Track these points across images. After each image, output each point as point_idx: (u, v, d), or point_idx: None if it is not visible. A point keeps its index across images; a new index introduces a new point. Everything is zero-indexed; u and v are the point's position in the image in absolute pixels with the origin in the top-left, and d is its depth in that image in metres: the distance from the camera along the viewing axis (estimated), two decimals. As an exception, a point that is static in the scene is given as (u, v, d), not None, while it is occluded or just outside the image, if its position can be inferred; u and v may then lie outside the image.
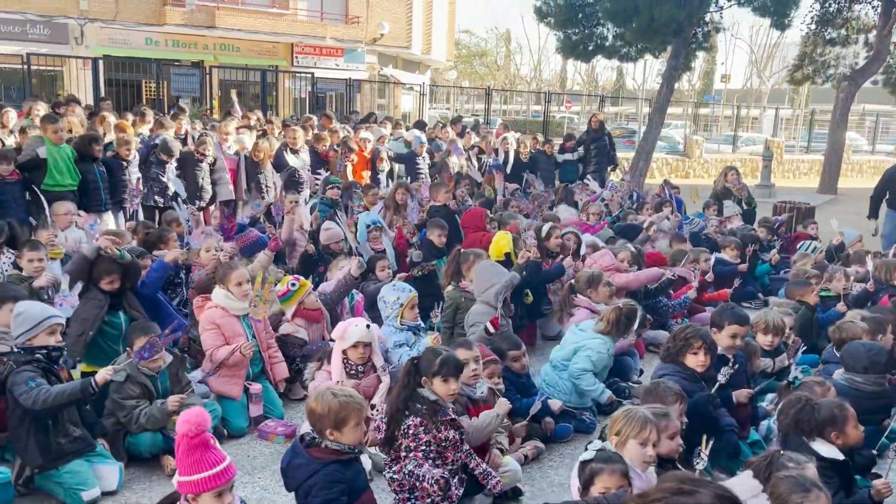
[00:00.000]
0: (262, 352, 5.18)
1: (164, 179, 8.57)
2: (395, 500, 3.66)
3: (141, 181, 8.44)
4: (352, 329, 4.66)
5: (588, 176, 11.42)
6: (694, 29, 18.29)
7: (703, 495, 1.75)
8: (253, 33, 24.72)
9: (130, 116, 10.41)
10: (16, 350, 4.05)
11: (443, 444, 3.66)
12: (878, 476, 3.84)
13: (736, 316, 4.77)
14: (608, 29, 19.56)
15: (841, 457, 3.59)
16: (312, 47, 26.82)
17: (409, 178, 10.98)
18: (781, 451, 3.17)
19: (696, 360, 4.39)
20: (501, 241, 6.89)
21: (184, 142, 9.70)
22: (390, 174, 11.40)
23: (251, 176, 9.40)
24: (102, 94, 14.99)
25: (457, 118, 16.56)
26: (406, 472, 3.60)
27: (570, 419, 4.98)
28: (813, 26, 21.31)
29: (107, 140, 8.74)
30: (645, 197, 10.96)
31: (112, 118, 9.84)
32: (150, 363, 4.26)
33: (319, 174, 9.83)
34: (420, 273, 6.63)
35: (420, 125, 14.47)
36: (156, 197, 8.67)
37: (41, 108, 9.67)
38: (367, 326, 4.71)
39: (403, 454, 3.64)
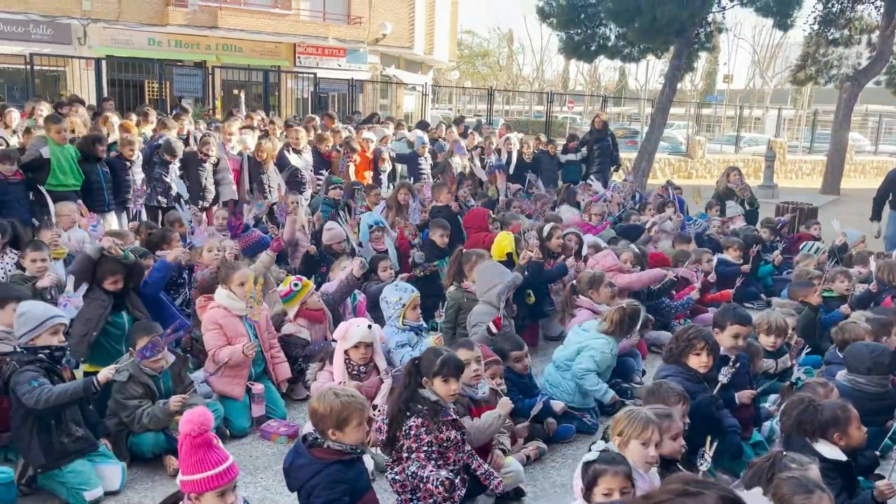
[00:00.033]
0: (265, 352, 5.19)
1: (168, 180, 8.58)
2: (398, 501, 3.66)
3: (144, 181, 8.46)
4: (354, 329, 4.66)
5: (591, 176, 11.40)
6: (696, 29, 18.28)
7: (709, 497, 1.74)
8: (255, 33, 24.71)
9: (133, 117, 10.42)
10: (19, 350, 4.05)
11: (444, 444, 3.66)
12: (881, 477, 3.82)
13: (738, 316, 4.76)
14: (611, 29, 19.56)
15: (844, 458, 3.58)
16: (315, 47, 26.81)
17: (411, 178, 10.99)
18: (784, 452, 3.16)
19: (698, 361, 4.39)
20: (503, 242, 6.89)
21: (186, 142, 9.70)
22: (392, 175, 11.40)
23: (254, 176, 9.41)
24: (105, 94, 15.04)
25: (459, 118, 16.56)
26: (409, 473, 3.59)
27: (573, 420, 4.98)
28: (816, 26, 21.25)
29: (110, 140, 8.76)
30: (647, 197, 10.93)
31: (115, 118, 9.86)
32: (152, 363, 4.27)
33: (322, 174, 9.84)
34: (422, 273, 6.63)
35: (422, 125, 14.46)
36: (159, 197, 8.66)
37: (44, 109, 9.69)
38: (369, 327, 4.70)
39: (405, 455, 3.64)
